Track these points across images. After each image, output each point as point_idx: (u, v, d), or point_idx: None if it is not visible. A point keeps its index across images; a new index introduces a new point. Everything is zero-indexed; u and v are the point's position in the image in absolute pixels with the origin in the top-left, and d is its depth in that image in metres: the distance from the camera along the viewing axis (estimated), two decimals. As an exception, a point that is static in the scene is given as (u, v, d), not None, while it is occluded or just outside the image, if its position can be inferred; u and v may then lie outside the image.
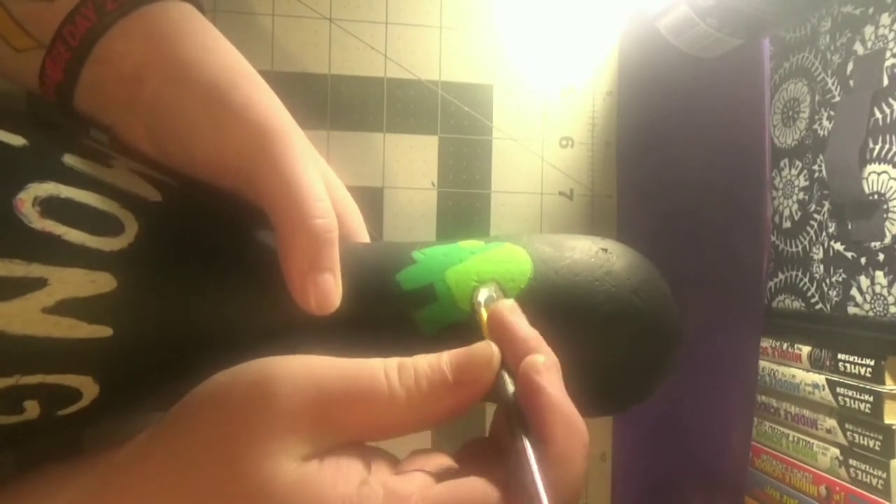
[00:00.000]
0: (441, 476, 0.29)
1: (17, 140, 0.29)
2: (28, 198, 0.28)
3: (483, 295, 0.35)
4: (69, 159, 0.31)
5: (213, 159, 0.34)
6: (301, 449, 0.27)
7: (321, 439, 0.28)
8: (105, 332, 0.30)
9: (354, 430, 0.29)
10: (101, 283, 0.29)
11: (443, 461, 0.31)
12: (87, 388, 0.30)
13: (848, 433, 0.50)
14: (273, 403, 0.27)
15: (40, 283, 0.28)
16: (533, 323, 0.35)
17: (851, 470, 0.49)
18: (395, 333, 0.36)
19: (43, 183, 0.29)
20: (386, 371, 0.29)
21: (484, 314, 0.33)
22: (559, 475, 0.27)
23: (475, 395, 0.30)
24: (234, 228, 0.36)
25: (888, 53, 0.47)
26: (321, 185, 0.33)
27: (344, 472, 0.27)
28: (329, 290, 0.32)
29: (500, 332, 0.31)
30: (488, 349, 0.30)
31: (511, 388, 0.30)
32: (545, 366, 0.29)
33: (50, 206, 0.29)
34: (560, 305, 0.36)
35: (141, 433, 0.30)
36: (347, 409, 0.28)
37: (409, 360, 0.30)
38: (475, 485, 0.28)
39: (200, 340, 0.33)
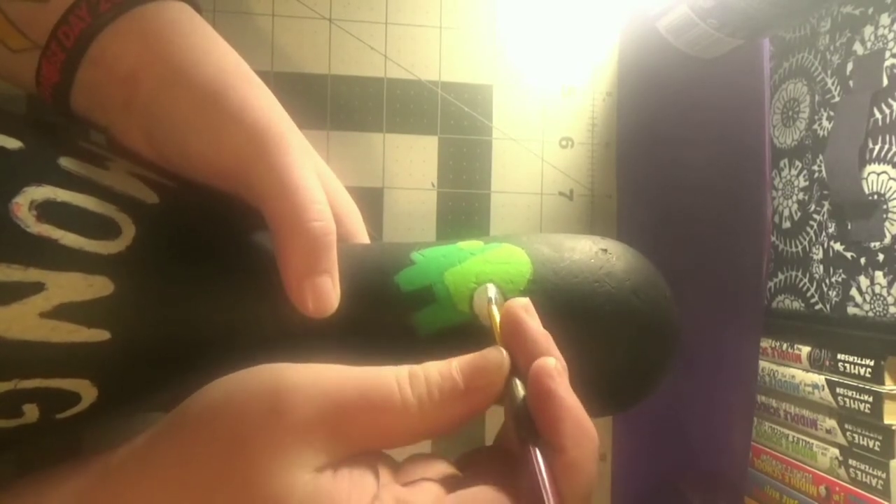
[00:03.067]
0: (449, 485, 0.29)
1: (12, 143, 0.29)
2: (24, 202, 0.28)
3: (486, 294, 0.35)
4: (65, 162, 0.31)
5: (210, 161, 0.33)
6: (315, 461, 0.27)
7: (334, 450, 0.27)
8: (103, 335, 0.30)
9: (367, 440, 0.28)
10: (98, 286, 0.29)
11: (445, 469, 0.31)
12: (86, 391, 0.30)
13: (847, 433, 0.50)
14: (287, 415, 0.27)
15: (38, 288, 0.28)
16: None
17: (851, 470, 0.49)
18: (393, 335, 0.36)
19: (39, 186, 0.29)
20: (398, 381, 0.29)
21: (494, 312, 0.33)
22: (572, 483, 0.27)
23: (487, 401, 0.30)
24: (232, 230, 0.35)
25: (888, 54, 0.47)
26: (318, 187, 0.33)
27: (358, 484, 0.27)
28: (327, 292, 0.32)
29: (513, 331, 0.31)
30: (499, 354, 0.30)
31: (521, 392, 0.29)
32: (557, 370, 0.28)
33: (46, 210, 0.28)
34: (559, 307, 0.36)
35: (138, 436, 0.29)
36: (361, 420, 0.28)
37: (419, 369, 0.30)
38: (487, 495, 0.27)
39: (198, 343, 0.33)
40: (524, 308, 0.31)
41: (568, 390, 0.28)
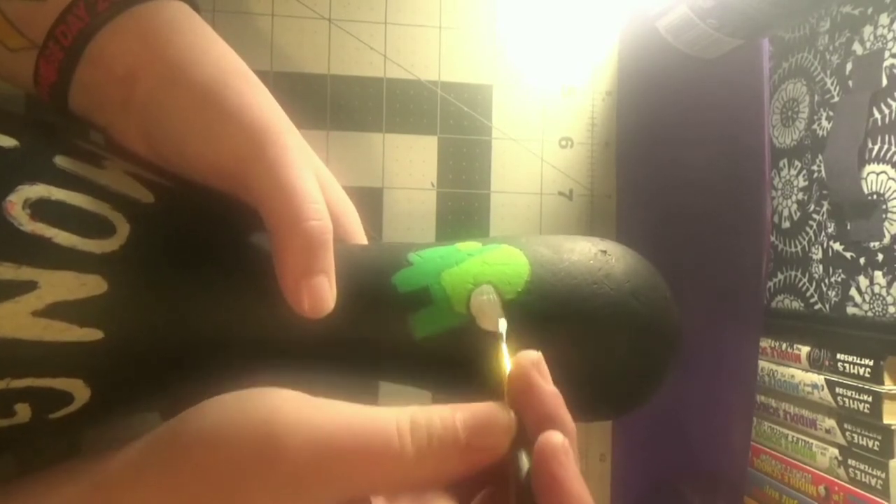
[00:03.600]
0: None
1: (8, 142, 0.29)
2: (18, 200, 0.28)
3: (483, 296, 0.35)
4: (61, 161, 0.31)
5: (207, 161, 0.33)
6: None
7: (327, 496, 0.27)
8: (96, 335, 0.29)
9: (361, 487, 0.28)
10: (91, 285, 0.29)
11: None
12: (79, 391, 0.30)
13: (847, 433, 0.50)
14: (281, 462, 0.26)
15: (30, 287, 0.28)
16: (530, 328, 0.35)
17: (850, 470, 0.49)
18: (390, 336, 0.35)
19: (33, 185, 0.29)
20: (399, 427, 0.27)
21: (504, 353, 0.31)
22: None
23: (486, 462, 0.28)
24: (228, 230, 0.35)
25: (887, 54, 0.47)
26: (316, 186, 0.33)
27: None
28: (323, 292, 0.32)
29: (523, 390, 0.29)
30: (506, 416, 0.29)
31: (526, 466, 0.28)
32: (564, 451, 0.27)
33: (40, 209, 0.28)
34: (558, 309, 0.36)
35: (131, 446, 0.29)
36: (356, 467, 0.27)
37: (422, 416, 0.28)
38: None
39: (193, 343, 0.33)
40: (535, 365, 0.30)
41: (575, 475, 0.27)
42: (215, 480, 0.26)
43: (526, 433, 0.28)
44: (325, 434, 0.27)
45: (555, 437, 0.27)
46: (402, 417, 0.28)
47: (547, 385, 0.29)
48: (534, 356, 0.30)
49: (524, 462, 0.28)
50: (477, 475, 0.29)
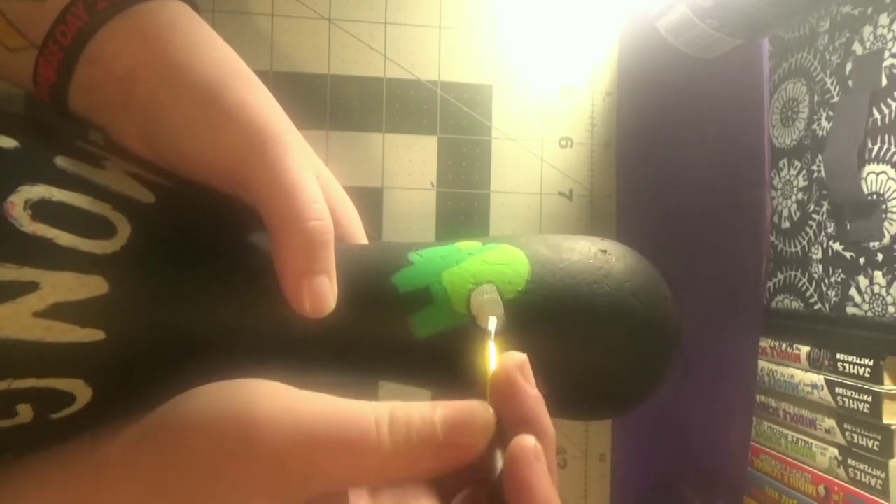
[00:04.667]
0: None
1: (8, 142, 0.29)
2: (19, 201, 0.28)
3: (483, 296, 0.35)
4: (61, 161, 0.31)
5: (207, 161, 0.33)
6: (283, 500, 0.27)
7: (301, 488, 0.27)
8: (97, 335, 0.29)
9: (338, 477, 0.28)
10: (92, 286, 0.29)
11: None
12: (80, 391, 0.30)
13: (847, 433, 0.50)
14: (258, 446, 0.26)
15: (32, 287, 0.28)
16: (530, 327, 0.35)
17: (850, 470, 0.49)
18: (390, 336, 0.35)
19: (34, 186, 0.29)
20: (377, 419, 0.28)
21: (491, 350, 0.31)
22: None
23: (463, 459, 0.28)
24: (229, 230, 0.35)
25: (887, 54, 0.47)
26: (316, 186, 0.33)
27: None
28: (324, 292, 0.32)
29: (506, 391, 0.29)
30: (486, 414, 0.29)
31: (500, 465, 0.28)
32: (536, 454, 0.27)
33: (41, 209, 0.28)
34: (558, 308, 0.36)
35: (122, 431, 0.29)
36: (332, 456, 0.27)
37: (402, 411, 0.28)
38: None
39: (194, 343, 0.33)
40: (519, 367, 0.30)
41: (543, 480, 0.27)
42: (196, 465, 0.27)
43: (505, 433, 0.28)
44: (303, 423, 0.27)
45: (527, 441, 0.27)
46: (382, 411, 0.28)
47: (529, 388, 0.29)
48: (519, 358, 0.30)
49: (500, 462, 0.28)
50: (458, 474, 0.29)
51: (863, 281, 0.49)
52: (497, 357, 0.31)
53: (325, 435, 0.27)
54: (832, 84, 0.53)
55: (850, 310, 0.51)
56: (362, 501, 0.29)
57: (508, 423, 0.29)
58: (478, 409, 0.29)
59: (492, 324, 0.34)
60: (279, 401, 0.28)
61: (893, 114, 0.47)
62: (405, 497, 0.30)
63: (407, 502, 0.30)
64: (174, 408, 0.29)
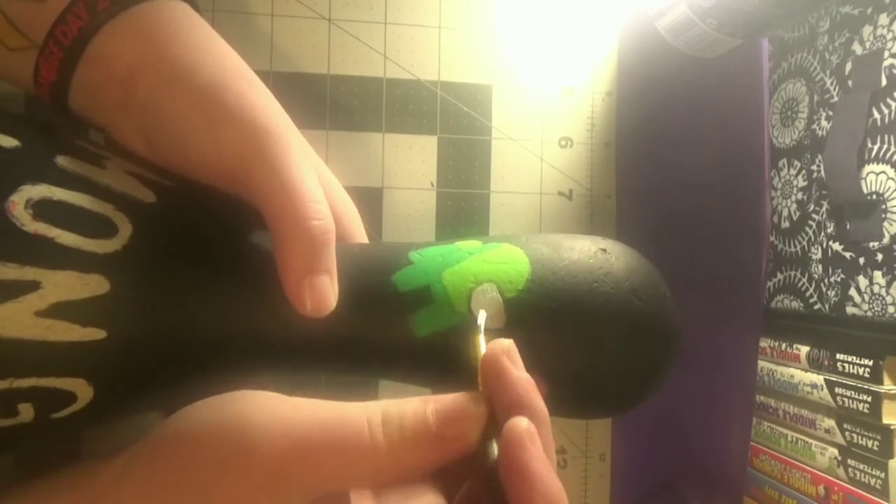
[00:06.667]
0: None
1: (9, 142, 0.29)
2: (20, 200, 0.28)
3: (483, 296, 0.35)
4: (62, 161, 0.31)
5: (208, 160, 0.33)
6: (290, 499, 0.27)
7: (300, 493, 0.27)
8: (99, 334, 0.30)
9: (335, 479, 0.28)
10: (94, 285, 0.29)
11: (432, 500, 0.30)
12: (82, 390, 0.30)
13: (846, 433, 0.50)
14: (254, 455, 0.27)
15: (33, 287, 0.28)
16: (530, 326, 0.35)
17: (850, 470, 0.49)
18: (391, 335, 0.36)
19: (35, 185, 0.29)
20: (369, 420, 0.28)
21: (481, 343, 0.31)
22: None
23: (458, 452, 0.29)
24: (230, 230, 0.35)
25: (886, 54, 0.47)
26: (317, 186, 0.33)
27: None
28: (325, 291, 0.32)
29: (494, 377, 0.29)
30: (477, 406, 0.29)
31: (495, 453, 0.28)
32: (530, 437, 0.27)
33: (42, 209, 0.28)
34: (558, 307, 0.36)
35: (123, 453, 0.30)
36: (327, 459, 0.28)
37: (395, 409, 0.29)
38: None
39: (195, 342, 0.33)
40: (506, 352, 0.30)
41: (541, 460, 0.27)
42: (195, 475, 0.27)
43: (499, 422, 0.29)
44: (297, 429, 0.28)
45: (520, 423, 0.27)
46: (374, 411, 0.29)
47: (517, 371, 0.30)
48: (505, 343, 0.30)
49: (494, 450, 0.28)
50: (459, 467, 0.29)
51: (862, 281, 0.49)
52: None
53: (318, 439, 0.28)
54: (832, 84, 0.53)
55: (850, 310, 0.51)
56: (367, 501, 0.29)
57: (501, 409, 0.29)
58: (469, 401, 0.29)
59: (481, 317, 0.34)
60: (272, 410, 0.28)
61: (893, 114, 0.47)
62: (408, 494, 0.30)
63: (411, 499, 0.30)
64: (169, 426, 0.29)
